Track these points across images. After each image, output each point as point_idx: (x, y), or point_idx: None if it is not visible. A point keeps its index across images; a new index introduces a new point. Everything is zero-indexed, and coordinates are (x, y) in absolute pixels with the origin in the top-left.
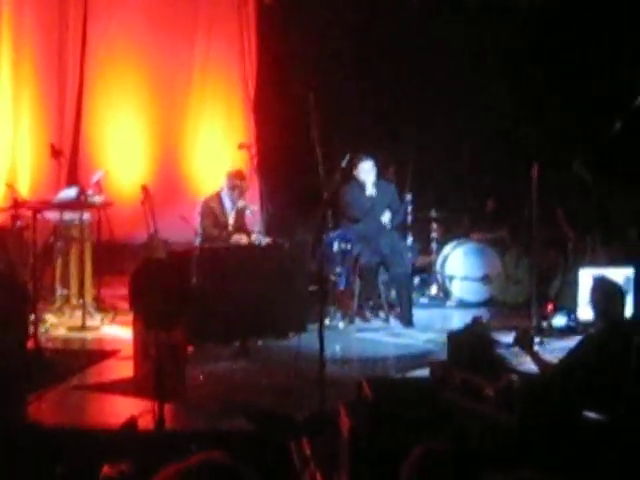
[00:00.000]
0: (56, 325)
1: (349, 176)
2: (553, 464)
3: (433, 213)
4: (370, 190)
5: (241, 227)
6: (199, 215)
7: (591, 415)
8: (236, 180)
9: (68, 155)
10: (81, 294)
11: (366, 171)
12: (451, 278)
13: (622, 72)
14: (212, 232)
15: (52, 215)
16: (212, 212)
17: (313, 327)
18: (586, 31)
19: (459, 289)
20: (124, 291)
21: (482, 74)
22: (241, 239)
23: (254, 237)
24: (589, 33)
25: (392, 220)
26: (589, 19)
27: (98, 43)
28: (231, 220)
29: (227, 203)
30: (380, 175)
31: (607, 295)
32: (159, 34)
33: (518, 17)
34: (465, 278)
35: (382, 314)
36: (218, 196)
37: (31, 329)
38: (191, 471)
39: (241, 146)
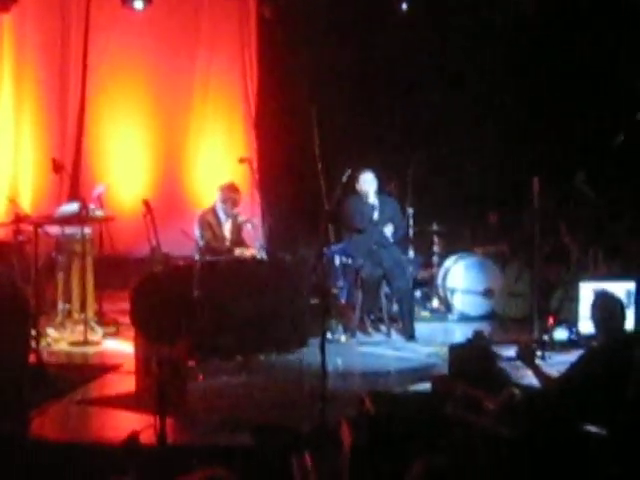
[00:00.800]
0: (58, 340)
1: (350, 190)
2: (554, 478)
3: (434, 226)
4: (372, 199)
5: (239, 241)
6: (198, 229)
7: (592, 429)
8: (229, 193)
9: (70, 169)
10: (83, 308)
11: (367, 182)
12: (453, 291)
13: (623, 85)
14: (214, 244)
15: (54, 229)
16: (210, 225)
17: (315, 341)
18: (588, 45)
19: (461, 302)
20: (126, 305)
21: (483, 89)
22: (244, 252)
23: (253, 251)
24: (591, 47)
25: (395, 234)
26: (590, 34)
27: (100, 58)
28: (227, 233)
29: (222, 216)
30: (382, 189)
31: (608, 309)
32: (160, 49)
33: (520, 32)
34: (467, 291)
35: (384, 327)
36: (213, 210)
37: (33, 344)
38: None
39: (242, 160)
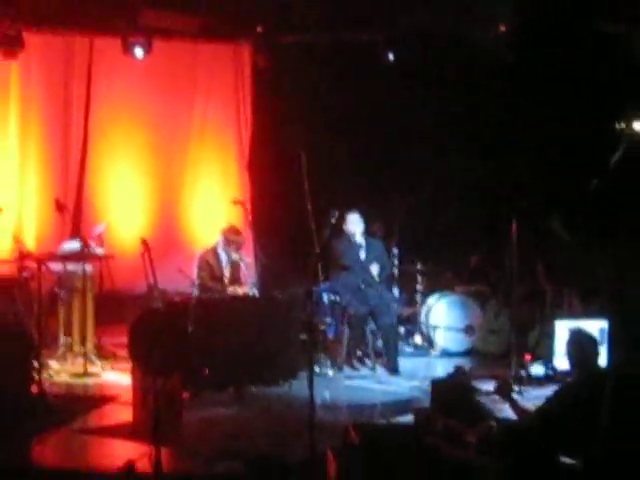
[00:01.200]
0: (59, 371)
1: (339, 231)
2: None
3: (418, 266)
4: (359, 239)
5: (236, 279)
6: (196, 268)
7: (567, 460)
8: (232, 235)
9: (72, 209)
10: (83, 342)
11: (354, 222)
12: (435, 328)
13: (598, 132)
14: (208, 284)
15: (56, 266)
16: (209, 265)
17: (304, 374)
18: (562, 94)
19: (442, 339)
20: (124, 339)
21: (461, 139)
22: (236, 291)
23: (246, 289)
24: (565, 96)
25: (380, 273)
26: (564, 82)
27: (101, 103)
28: (227, 273)
29: (223, 257)
30: (367, 231)
31: (582, 346)
32: (159, 96)
33: (494, 81)
34: (448, 328)
35: (369, 362)
36: (214, 250)
37: (35, 375)
38: None
39: (236, 202)
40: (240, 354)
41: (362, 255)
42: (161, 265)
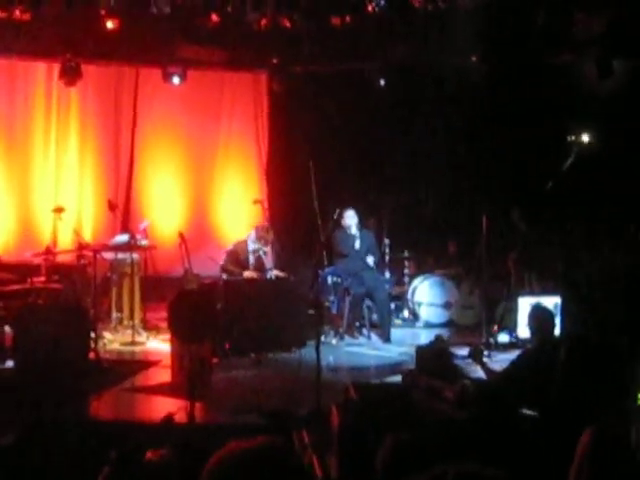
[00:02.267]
0: (112, 341)
1: (339, 225)
2: (496, 452)
3: (405, 253)
4: (354, 231)
5: (259, 266)
6: (226, 254)
7: (527, 412)
8: (262, 233)
9: (122, 208)
10: (131, 316)
11: (350, 217)
12: (419, 304)
13: (554, 141)
14: (230, 268)
15: (109, 255)
16: (236, 254)
17: (311, 343)
18: (525, 113)
19: (425, 313)
20: (165, 314)
21: (442, 148)
22: (252, 275)
23: (271, 273)
24: (527, 114)
25: (373, 261)
26: (527, 102)
27: (145, 121)
28: (252, 261)
29: (251, 248)
30: (362, 225)
31: (541, 318)
32: (193, 115)
33: (467, 101)
34: (430, 304)
35: (366, 332)
36: (245, 242)
37: (92, 344)
38: (254, 450)
39: (255, 201)
40: (259, 326)
41: (357, 244)
42: (195, 253)
